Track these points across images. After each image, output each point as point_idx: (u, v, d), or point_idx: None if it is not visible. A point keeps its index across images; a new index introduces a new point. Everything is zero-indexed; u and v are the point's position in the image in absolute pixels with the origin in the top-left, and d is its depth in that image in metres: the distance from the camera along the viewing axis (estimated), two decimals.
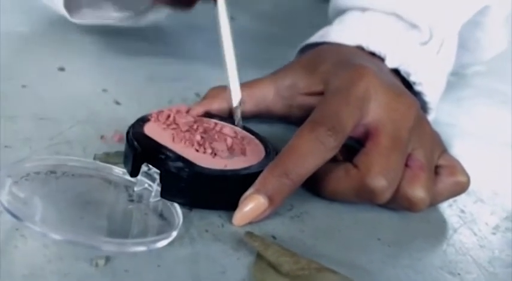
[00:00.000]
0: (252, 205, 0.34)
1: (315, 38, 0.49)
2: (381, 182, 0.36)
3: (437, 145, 0.41)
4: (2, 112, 0.43)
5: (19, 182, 0.34)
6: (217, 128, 0.40)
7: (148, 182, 0.36)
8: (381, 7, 0.48)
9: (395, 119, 0.38)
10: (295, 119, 0.45)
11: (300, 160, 0.35)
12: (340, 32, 0.48)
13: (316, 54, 0.46)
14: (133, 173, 0.36)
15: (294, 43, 0.53)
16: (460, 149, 0.43)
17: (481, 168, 0.47)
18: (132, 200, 0.36)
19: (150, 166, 0.35)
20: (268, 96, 0.44)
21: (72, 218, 0.33)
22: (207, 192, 0.36)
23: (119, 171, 0.38)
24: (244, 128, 0.41)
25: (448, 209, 0.42)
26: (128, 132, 0.38)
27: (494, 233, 0.40)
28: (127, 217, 0.35)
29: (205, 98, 0.44)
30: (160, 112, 0.40)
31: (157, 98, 0.49)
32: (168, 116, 0.40)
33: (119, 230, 0.34)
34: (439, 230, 0.40)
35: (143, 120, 0.39)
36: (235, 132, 0.40)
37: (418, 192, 0.37)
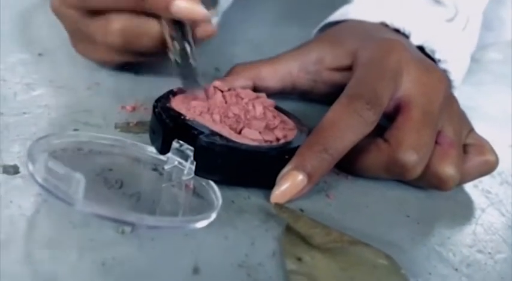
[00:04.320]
0: (290, 182, 0.33)
1: (336, 16, 0.48)
2: (412, 157, 0.35)
3: (465, 123, 0.40)
4: (19, 79, 0.42)
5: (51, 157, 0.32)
6: (249, 105, 0.38)
7: (179, 160, 0.34)
8: None
9: (427, 93, 0.37)
10: (318, 95, 0.44)
11: (339, 134, 0.34)
12: (363, 9, 0.46)
13: (341, 30, 0.45)
14: (164, 150, 0.34)
15: (309, 23, 0.52)
16: (483, 132, 0.42)
17: (505, 151, 0.46)
18: (162, 179, 0.34)
19: (182, 142, 0.34)
20: (293, 71, 0.43)
21: (106, 196, 0.32)
22: (243, 168, 0.34)
23: (147, 148, 0.36)
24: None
25: (474, 189, 0.41)
26: (155, 107, 0.36)
27: None
28: (161, 196, 0.34)
29: (228, 74, 0.42)
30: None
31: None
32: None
33: (155, 210, 0.33)
34: (467, 210, 0.39)
35: (169, 94, 0.37)
36: (266, 109, 0.38)
37: (448, 169, 0.36)
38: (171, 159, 0.34)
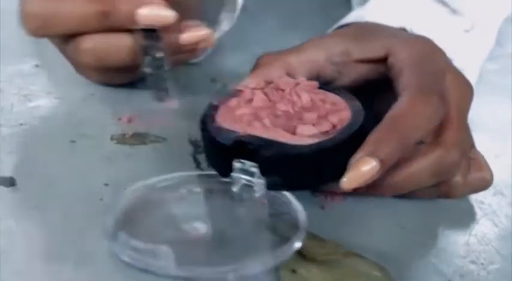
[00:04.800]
0: (365, 167, 0.32)
1: (351, 18, 0.47)
2: (457, 157, 0.36)
3: (470, 136, 0.40)
4: (16, 91, 0.42)
5: (127, 230, 0.30)
6: (293, 95, 0.36)
7: (245, 178, 0.32)
8: None
9: (463, 96, 0.38)
10: (339, 86, 0.42)
11: (415, 124, 0.34)
12: (381, 13, 0.46)
13: (362, 27, 0.44)
14: (226, 172, 0.33)
15: (307, 33, 0.53)
16: (478, 142, 0.42)
17: (499, 162, 0.47)
18: (235, 202, 0.33)
19: (243, 161, 0.32)
20: (319, 61, 0.41)
21: (197, 253, 0.31)
22: (312, 170, 0.33)
23: (210, 174, 0.35)
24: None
25: (468, 200, 0.41)
26: (203, 130, 0.35)
27: None
28: (245, 226, 0.33)
29: (258, 67, 0.40)
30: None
31: (173, 82, 0.48)
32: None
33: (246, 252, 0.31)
34: (461, 220, 0.39)
35: (211, 110, 0.36)
36: (312, 93, 0.37)
37: (459, 178, 0.37)
38: (237, 179, 0.33)
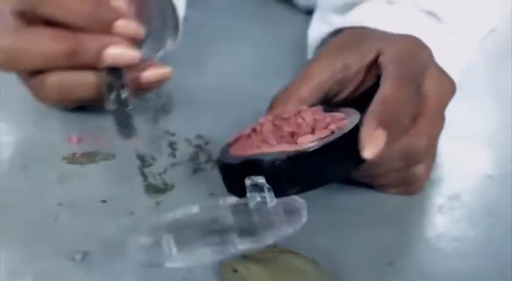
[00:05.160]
0: (382, 138, 0.35)
1: (351, 22, 0.49)
2: (424, 143, 0.39)
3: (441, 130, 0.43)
4: None
5: None
6: (298, 118, 0.39)
7: (258, 195, 0.35)
8: (409, 2, 0.49)
9: (440, 91, 0.41)
10: (340, 98, 0.44)
11: (399, 105, 0.37)
12: (377, 17, 0.49)
13: (355, 33, 0.47)
14: (242, 192, 0.35)
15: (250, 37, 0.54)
16: None
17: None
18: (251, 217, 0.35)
19: (252, 177, 0.35)
20: (326, 83, 0.43)
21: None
22: (313, 168, 0.35)
23: (227, 200, 0.37)
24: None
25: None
26: (218, 161, 0.38)
27: (440, 212, 0.43)
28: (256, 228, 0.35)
29: (274, 108, 0.42)
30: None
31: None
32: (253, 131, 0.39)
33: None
34: (390, 210, 0.42)
35: (227, 146, 0.39)
36: (315, 114, 0.39)
37: (422, 170, 0.41)
38: (252, 197, 0.35)
